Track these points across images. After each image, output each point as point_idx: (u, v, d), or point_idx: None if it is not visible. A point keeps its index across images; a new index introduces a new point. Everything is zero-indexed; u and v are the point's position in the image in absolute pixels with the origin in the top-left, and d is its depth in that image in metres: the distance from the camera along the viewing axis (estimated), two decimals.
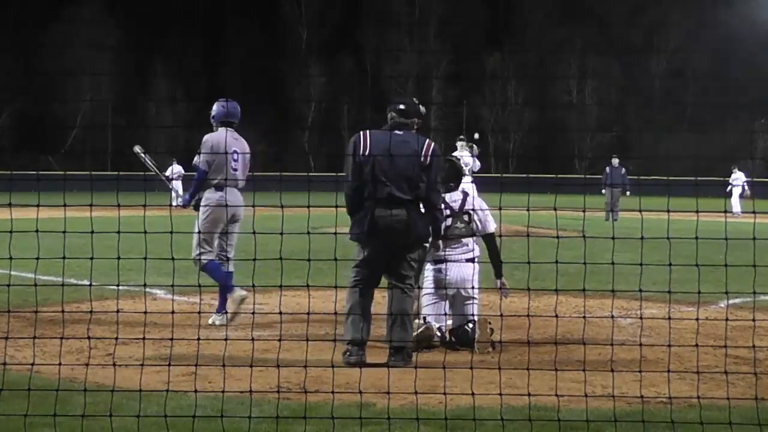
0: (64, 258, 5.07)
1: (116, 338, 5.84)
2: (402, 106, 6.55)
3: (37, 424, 4.58)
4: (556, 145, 68.80)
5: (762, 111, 59.09)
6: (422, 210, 6.47)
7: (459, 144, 20.80)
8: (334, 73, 67.82)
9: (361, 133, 6.49)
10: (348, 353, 6.35)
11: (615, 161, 28.40)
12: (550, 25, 67.59)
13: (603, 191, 27.49)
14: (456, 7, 68.36)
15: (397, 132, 6.40)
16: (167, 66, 65.06)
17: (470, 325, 7.12)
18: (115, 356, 5.93)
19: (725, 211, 6.42)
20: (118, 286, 7.48)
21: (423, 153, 6.33)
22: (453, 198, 7.33)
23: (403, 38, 71.14)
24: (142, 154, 8.75)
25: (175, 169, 34.46)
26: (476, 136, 21.81)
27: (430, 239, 6.82)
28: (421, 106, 6.67)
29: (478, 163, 20.80)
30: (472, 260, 7.27)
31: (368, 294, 6.56)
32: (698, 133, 56.60)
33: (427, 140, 6.45)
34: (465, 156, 20.26)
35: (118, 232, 4.91)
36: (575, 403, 5.12)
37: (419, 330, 6.88)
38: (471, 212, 7.30)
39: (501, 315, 6.34)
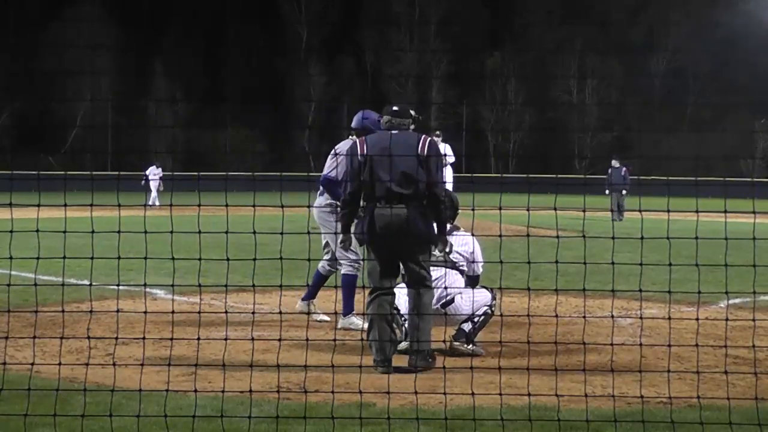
0: (64, 258, 5.07)
1: (116, 338, 5.85)
2: (396, 108, 6.78)
3: (37, 424, 4.58)
4: (556, 145, 68.80)
5: (762, 111, 59.10)
6: (426, 208, 6.40)
7: (437, 138, 20.98)
8: (334, 73, 67.85)
9: (357, 140, 6.70)
10: (376, 364, 6.30)
11: (615, 162, 28.39)
12: (550, 25, 67.60)
13: (606, 192, 27.54)
14: (456, 7, 68.39)
15: (392, 132, 6.54)
16: (167, 66, 65.03)
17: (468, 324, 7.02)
18: (115, 356, 5.93)
19: (725, 211, 6.41)
20: (118, 286, 7.45)
21: (420, 146, 6.42)
22: (464, 241, 7.12)
23: (403, 38, 71.16)
24: None
25: (155, 170, 33.89)
26: (438, 133, 21.97)
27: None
28: (412, 111, 6.82)
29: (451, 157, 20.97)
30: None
31: (386, 301, 6.47)
32: (698, 133, 56.63)
33: (423, 135, 6.61)
34: (446, 147, 20.45)
35: (118, 232, 4.91)
36: (575, 403, 5.12)
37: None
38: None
39: (501, 315, 6.35)
